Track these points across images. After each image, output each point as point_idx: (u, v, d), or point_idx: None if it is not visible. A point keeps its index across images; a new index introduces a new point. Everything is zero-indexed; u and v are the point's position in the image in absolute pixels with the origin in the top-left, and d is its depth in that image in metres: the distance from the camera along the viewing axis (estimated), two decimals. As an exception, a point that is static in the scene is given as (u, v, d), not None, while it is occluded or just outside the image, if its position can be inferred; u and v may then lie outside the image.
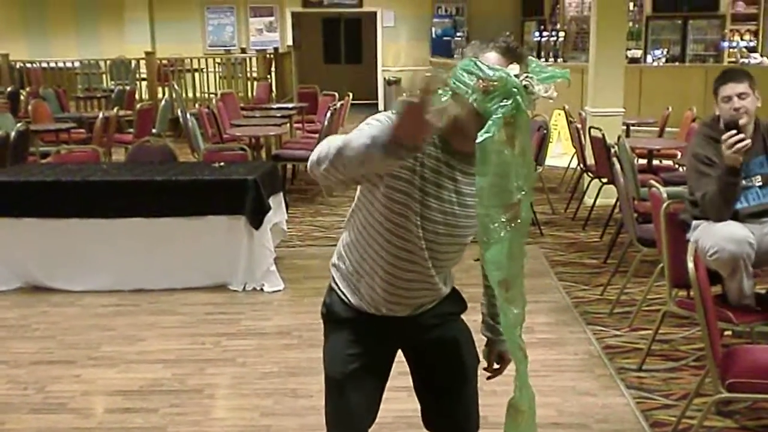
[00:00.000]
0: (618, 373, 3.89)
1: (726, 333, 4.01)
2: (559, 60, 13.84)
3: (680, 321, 4.37)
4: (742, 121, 3.64)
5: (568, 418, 3.46)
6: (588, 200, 7.16)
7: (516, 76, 1.73)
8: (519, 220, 1.81)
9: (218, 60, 14.12)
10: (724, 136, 3.52)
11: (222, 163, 5.70)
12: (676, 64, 13.57)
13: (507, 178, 1.77)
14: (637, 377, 3.84)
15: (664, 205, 3.81)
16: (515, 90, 1.71)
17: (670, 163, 7.51)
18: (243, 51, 15.40)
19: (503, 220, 1.79)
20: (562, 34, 14.28)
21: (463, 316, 2.22)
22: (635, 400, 3.60)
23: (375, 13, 16.30)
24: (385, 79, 16.36)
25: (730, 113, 3.66)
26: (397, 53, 16.34)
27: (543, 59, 13.97)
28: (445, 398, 2.19)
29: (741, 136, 3.49)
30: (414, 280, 2.00)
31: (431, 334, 2.14)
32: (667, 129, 8.46)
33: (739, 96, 3.67)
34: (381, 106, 16.24)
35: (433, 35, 16.29)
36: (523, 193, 1.80)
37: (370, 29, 16.97)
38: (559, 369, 3.97)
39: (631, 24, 13.91)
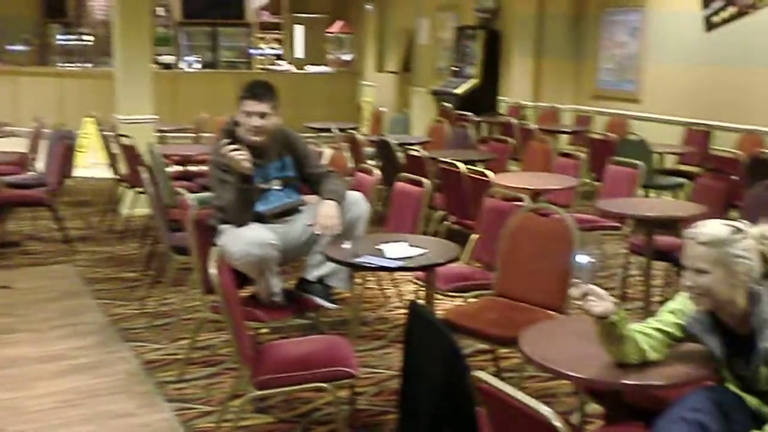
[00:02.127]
0: (158, 387, 3.77)
1: (264, 331, 4.14)
2: (90, 65, 13.28)
3: (221, 325, 4.36)
4: (256, 138, 3.76)
5: (105, 447, 3.24)
6: (125, 211, 6.92)
7: None
8: None
9: None
10: (220, 143, 3.64)
11: None
12: (210, 70, 13.93)
13: None
14: (177, 389, 3.76)
15: (192, 211, 3.79)
16: None
17: (206, 168, 7.60)
18: None
19: None
20: (91, 37, 13.72)
21: None
22: (176, 413, 3.51)
23: None
24: None
25: (247, 127, 3.75)
26: None
27: (73, 64, 13.30)
28: None
29: (234, 146, 3.62)
30: None
31: None
32: (205, 134, 8.59)
33: (261, 115, 3.76)
34: None
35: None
36: None
37: None
38: (94, 394, 3.70)
39: (162, 29, 13.92)
